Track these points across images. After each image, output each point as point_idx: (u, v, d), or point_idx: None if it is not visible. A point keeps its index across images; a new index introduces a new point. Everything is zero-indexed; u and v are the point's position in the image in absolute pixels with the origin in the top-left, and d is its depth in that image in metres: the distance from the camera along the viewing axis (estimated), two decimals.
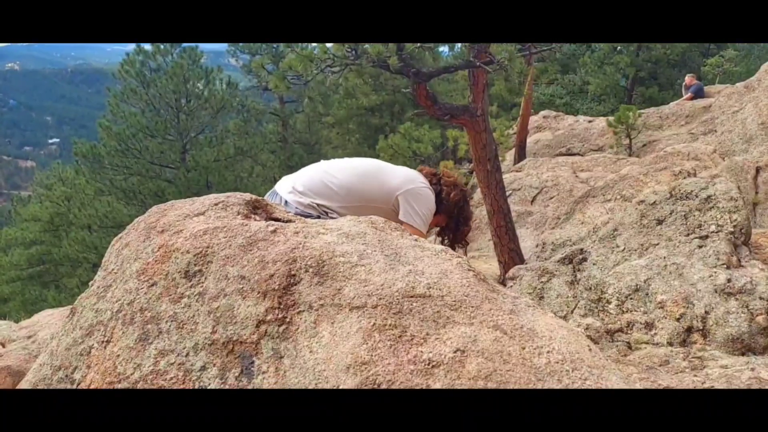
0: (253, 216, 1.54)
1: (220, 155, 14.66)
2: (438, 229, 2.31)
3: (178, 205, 1.57)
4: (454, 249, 2.21)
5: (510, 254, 6.10)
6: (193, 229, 1.37)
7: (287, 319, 1.14)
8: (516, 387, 0.99)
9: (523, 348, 1.03)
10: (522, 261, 5.94)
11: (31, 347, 3.07)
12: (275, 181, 2.22)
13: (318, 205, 2.00)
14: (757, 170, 5.45)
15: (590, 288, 3.47)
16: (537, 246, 5.77)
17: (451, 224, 2.27)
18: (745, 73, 15.35)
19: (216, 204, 1.51)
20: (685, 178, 4.51)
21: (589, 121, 12.12)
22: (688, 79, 11.82)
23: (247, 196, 1.61)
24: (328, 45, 6.51)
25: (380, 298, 1.11)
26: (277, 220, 1.58)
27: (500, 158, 8.60)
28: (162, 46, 14.52)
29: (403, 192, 2.06)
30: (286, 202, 2.01)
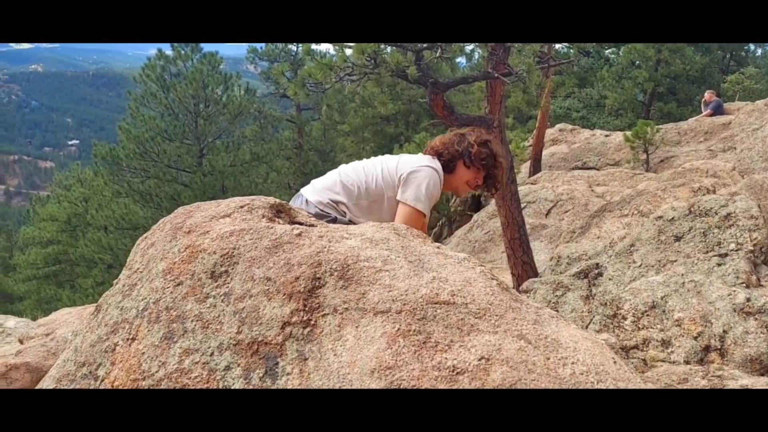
0: (277, 219, 1.57)
1: (236, 160, 14.80)
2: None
3: (204, 207, 1.59)
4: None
5: (523, 267, 6.07)
6: (220, 231, 1.40)
7: (312, 322, 1.15)
8: None
9: (548, 358, 1.03)
10: (535, 274, 5.91)
11: (50, 344, 3.11)
12: (290, 187, 2.35)
13: (336, 202, 2.09)
14: None
15: (606, 303, 3.44)
16: (551, 259, 5.73)
17: (483, 174, 2.31)
18: (765, 91, 15.19)
19: (241, 207, 1.54)
20: (704, 195, 4.46)
21: (606, 135, 12.05)
22: (708, 95, 11.72)
23: (271, 199, 1.64)
24: (348, 53, 6.57)
25: (404, 304, 1.12)
26: (300, 224, 1.60)
27: (516, 170, 8.59)
28: (182, 51, 14.73)
29: (405, 174, 2.13)
30: (307, 201, 2.14)
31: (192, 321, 1.26)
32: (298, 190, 2.31)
